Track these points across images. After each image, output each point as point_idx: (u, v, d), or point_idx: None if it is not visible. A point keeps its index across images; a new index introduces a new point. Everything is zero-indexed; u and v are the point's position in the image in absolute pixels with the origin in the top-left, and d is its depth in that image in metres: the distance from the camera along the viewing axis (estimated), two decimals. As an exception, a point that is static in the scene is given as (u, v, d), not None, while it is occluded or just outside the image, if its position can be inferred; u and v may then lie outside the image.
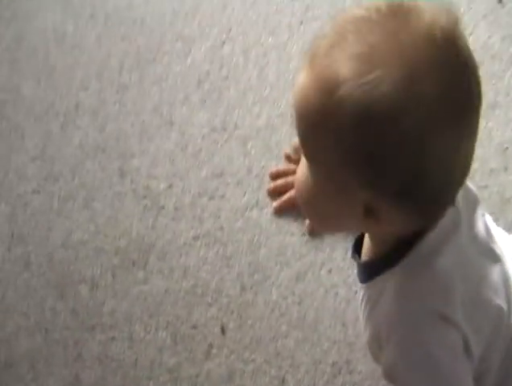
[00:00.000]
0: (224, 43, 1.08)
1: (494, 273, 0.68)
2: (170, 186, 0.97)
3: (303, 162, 0.64)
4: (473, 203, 0.69)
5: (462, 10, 1.14)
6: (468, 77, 0.57)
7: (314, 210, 0.68)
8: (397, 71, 0.54)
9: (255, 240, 0.94)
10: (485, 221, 0.69)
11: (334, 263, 0.92)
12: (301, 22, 1.08)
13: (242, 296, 0.90)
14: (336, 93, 0.56)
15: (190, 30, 1.09)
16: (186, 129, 1.01)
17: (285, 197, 0.95)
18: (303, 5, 1.10)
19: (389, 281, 0.65)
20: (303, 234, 0.94)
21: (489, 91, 1.07)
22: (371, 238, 0.69)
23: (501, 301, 0.67)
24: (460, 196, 0.65)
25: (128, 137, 1.00)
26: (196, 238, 0.94)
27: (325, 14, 1.08)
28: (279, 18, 1.09)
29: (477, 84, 0.58)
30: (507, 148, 1.02)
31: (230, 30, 1.09)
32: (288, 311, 0.89)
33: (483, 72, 1.01)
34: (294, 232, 0.94)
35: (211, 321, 0.89)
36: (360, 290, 0.71)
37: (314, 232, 0.94)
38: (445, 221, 0.63)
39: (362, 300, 0.70)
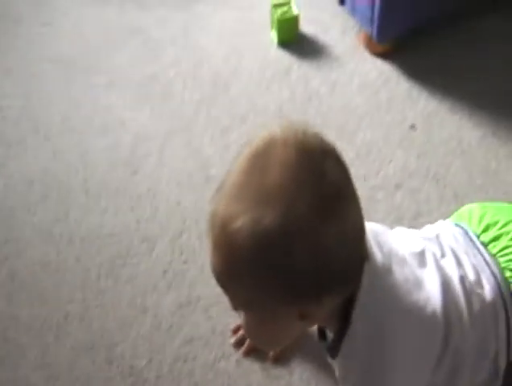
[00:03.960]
0: (181, 232, 1.66)
1: (426, 268, 1.13)
2: (150, 361, 1.50)
3: (242, 314, 1.09)
4: (384, 236, 1.15)
5: (380, 143, 1.71)
6: (327, 170, 0.93)
7: (266, 341, 1.16)
8: (273, 205, 0.91)
9: None
10: (398, 236, 1.19)
11: (294, 385, 1.41)
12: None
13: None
14: (231, 235, 0.93)
15: (152, 230, 1.69)
16: (157, 312, 1.56)
17: (247, 343, 1.46)
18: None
19: (354, 339, 1.07)
20: (264, 369, 1.43)
21: (411, 204, 1.61)
22: (321, 324, 1.16)
23: (440, 289, 1.11)
24: (374, 244, 1.09)
25: (111, 331, 1.56)
26: (176, 397, 1.45)
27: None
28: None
29: (340, 168, 0.96)
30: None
31: (185, 221, 1.68)
32: (260, 436, 1.37)
33: (404, 190, 1.61)
34: (256, 369, 1.44)
35: None
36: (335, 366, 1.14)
37: (277, 361, 1.43)
38: (370, 272, 1.05)
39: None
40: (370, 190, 1.71)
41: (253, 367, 1.46)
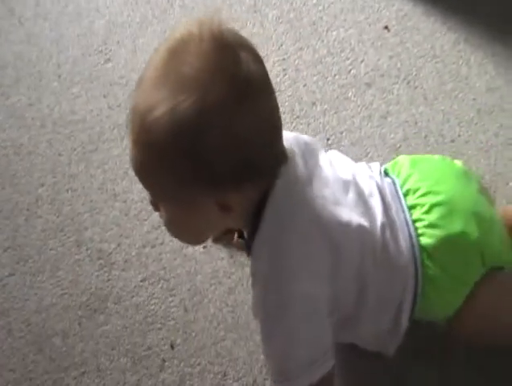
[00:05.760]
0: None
1: (348, 196, 1.14)
2: (118, 245, 1.53)
3: (162, 210, 1.10)
4: (314, 152, 1.16)
5: (353, 42, 1.72)
6: (242, 60, 0.96)
7: (187, 235, 1.16)
8: (189, 93, 0.94)
9: (192, 270, 1.47)
10: (330, 159, 1.17)
11: (258, 273, 1.44)
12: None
13: (186, 316, 1.43)
14: (150, 124, 0.96)
15: (124, 118, 1.69)
16: (127, 197, 1.58)
17: None
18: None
19: (262, 241, 1.09)
20: (231, 256, 1.47)
21: (381, 104, 1.63)
22: (238, 223, 1.16)
23: (360, 218, 1.12)
24: (300, 155, 1.11)
25: (81, 215, 1.58)
26: (143, 280, 1.48)
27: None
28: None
29: (255, 60, 0.99)
30: (400, 146, 1.56)
31: (157, 110, 1.69)
32: (224, 319, 1.41)
33: (374, 89, 1.63)
34: (223, 256, 1.48)
35: (162, 341, 1.41)
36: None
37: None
38: (287, 176, 1.06)
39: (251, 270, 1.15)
40: (341, 88, 1.73)
41: (220, 254, 1.49)
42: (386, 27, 1.82)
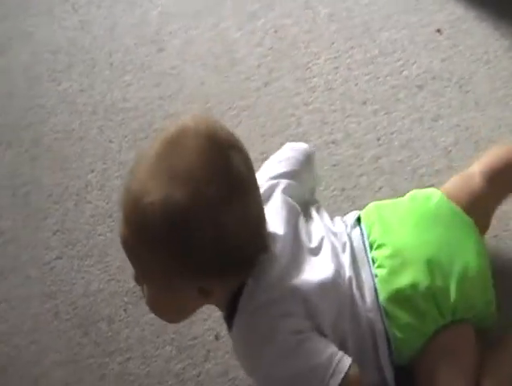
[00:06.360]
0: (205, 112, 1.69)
1: (322, 252, 1.19)
2: (167, 234, 1.54)
3: (144, 286, 1.14)
4: (295, 216, 1.22)
5: (405, 43, 1.72)
6: (234, 161, 1.04)
7: (167, 314, 1.21)
8: (184, 185, 1.02)
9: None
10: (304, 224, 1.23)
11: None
12: (266, 84, 1.69)
13: (231, 308, 1.44)
14: (143, 209, 1.02)
15: (175, 108, 1.71)
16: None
17: None
18: (266, 69, 1.71)
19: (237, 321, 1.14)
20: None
21: (432, 106, 1.63)
22: (217, 304, 1.20)
23: (334, 274, 1.16)
24: (286, 219, 1.18)
25: (130, 202, 1.59)
26: (191, 270, 1.49)
27: (286, 73, 1.69)
28: (248, 84, 1.70)
29: (244, 160, 1.06)
30: (450, 150, 1.56)
31: (208, 102, 1.70)
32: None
33: (426, 92, 1.63)
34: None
35: (207, 332, 1.42)
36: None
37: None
38: (264, 264, 1.13)
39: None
40: (392, 89, 1.73)
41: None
42: (439, 30, 1.82)
